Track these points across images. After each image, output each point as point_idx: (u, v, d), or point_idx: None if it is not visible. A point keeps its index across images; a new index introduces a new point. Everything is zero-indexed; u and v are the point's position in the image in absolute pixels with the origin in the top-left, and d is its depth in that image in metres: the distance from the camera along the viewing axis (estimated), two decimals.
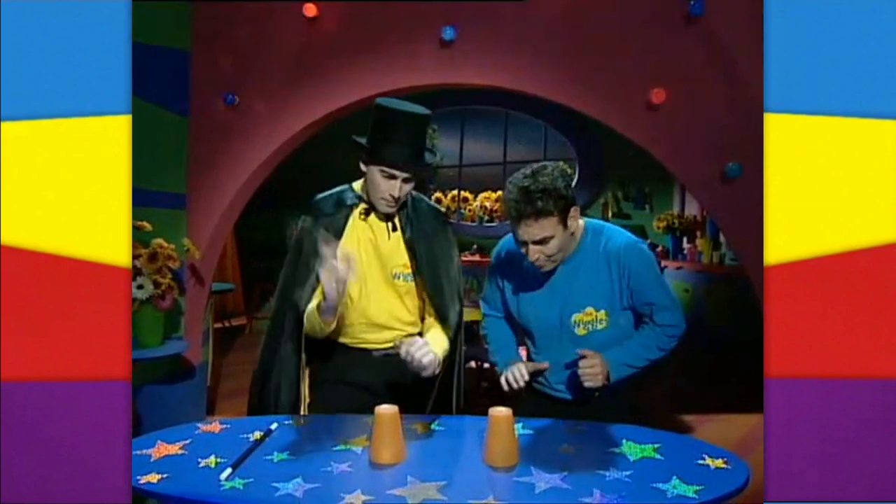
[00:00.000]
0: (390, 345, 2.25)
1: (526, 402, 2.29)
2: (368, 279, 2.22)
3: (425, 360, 1.93)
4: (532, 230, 1.97)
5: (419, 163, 2.12)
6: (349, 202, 2.27)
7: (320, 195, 2.34)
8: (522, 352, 2.38)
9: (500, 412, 1.76)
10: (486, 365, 5.13)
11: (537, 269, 2.10)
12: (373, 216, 2.24)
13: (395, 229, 2.24)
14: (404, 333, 2.27)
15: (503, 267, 2.28)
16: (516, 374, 2.14)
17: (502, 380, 2.16)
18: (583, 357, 2.03)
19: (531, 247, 2.00)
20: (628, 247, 2.11)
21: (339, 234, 2.20)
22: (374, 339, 2.28)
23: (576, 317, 2.13)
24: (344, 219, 2.25)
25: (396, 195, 2.11)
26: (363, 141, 2.12)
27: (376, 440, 1.77)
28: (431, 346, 2.00)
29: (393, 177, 2.10)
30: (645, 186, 8.57)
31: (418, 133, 2.12)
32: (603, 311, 2.12)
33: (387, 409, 1.78)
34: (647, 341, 2.12)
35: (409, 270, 2.25)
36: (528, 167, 2.02)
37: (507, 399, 2.07)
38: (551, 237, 1.98)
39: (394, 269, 2.24)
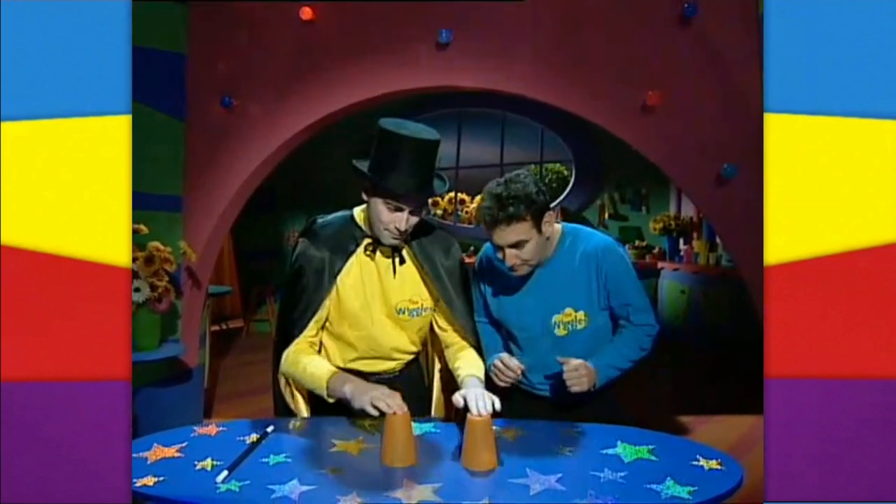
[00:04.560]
0: (386, 368, 2.21)
1: (512, 402, 2.29)
2: (373, 314, 2.13)
3: (488, 407, 1.87)
4: (505, 235, 2.00)
5: (427, 193, 1.98)
6: (354, 235, 2.13)
7: (320, 220, 2.20)
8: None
9: (478, 417, 1.78)
10: None
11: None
12: (379, 253, 2.11)
13: (402, 262, 2.13)
14: (403, 362, 2.25)
15: (485, 272, 2.30)
16: (499, 366, 2.12)
17: (493, 377, 2.15)
18: (564, 364, 2.03)
19: (507, 251, 2.04)
20: (605, 249, 2.16)
21: (341, 268, 2.10)
22: (371, 368, 2.20)
23: (556, 318, 2.17)
24: (348, 253, 2.11)
25: (402, 228, 1.97)
26: (365, 168, 1.97)
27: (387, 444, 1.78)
28: (476, 379, 2.01)
29: (399, 209, 1.95)
30: (641, 188, 8.59)
31: (427, 160, 1.95)
32: (582, 312, 2.16)
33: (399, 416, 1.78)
34: (629, 342, 2.17)
35: (415, 305, 2.16)
36: (503, 176, 2.05)
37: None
38: (526, 241, 2.02)
39: (398, 304, 2.14)
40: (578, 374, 2.01)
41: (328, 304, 2.13)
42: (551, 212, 2.06)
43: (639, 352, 2.16)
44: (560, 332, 2.17)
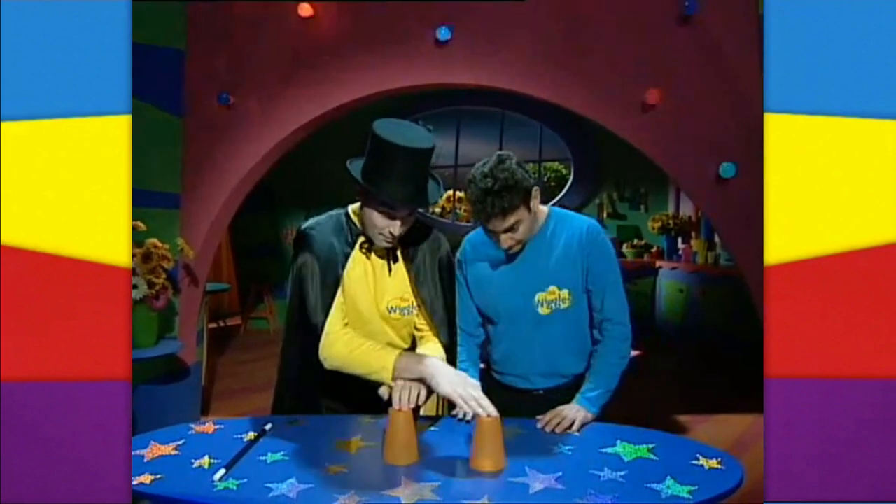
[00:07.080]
0: None
1: (490, 394, 2.25)
2: (367, 314, 2.13)
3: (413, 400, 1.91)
4: (501, 223, 2.02)
5: (421, 201, 1.97)
6: (351, 234, 2.13)
7: (313, 223, 2.17)
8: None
9: (488, 418, 1.76)
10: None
11: (501, 255, 2.16)
12: (374, 253, 2.12)
13: (395, 261, 2.14)
14: None
15: (468, 262, 2.29)
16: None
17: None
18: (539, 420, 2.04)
19: (502, 235, 2.05)
20: (590, 229, 2.18)
21: (340, 269, 2.09)
22: None
23: (539, 296, 2.16)
24: (345, 254, 2.11)
25: (395, 234, 1.98)
26: (358, 173, 1.96)
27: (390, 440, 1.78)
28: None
29: (392, 216, 1.96)
30: (640, 187, 8.60)
31: (420, 169, 1.94)
32: (566, 290, 2.16)
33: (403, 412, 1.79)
34: (611, 358, 2.17)
35: (406, 304, 2.17)
36: (485, 163, 2.03)
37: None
38: (520, 222, 2.04)
39: (390, 302, 2.15)
40: (561, 425, 2.00)
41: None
42: (537, 187, 2.08)
43: (622, 361, 2.18)
44: (543, 310, 2.16)
